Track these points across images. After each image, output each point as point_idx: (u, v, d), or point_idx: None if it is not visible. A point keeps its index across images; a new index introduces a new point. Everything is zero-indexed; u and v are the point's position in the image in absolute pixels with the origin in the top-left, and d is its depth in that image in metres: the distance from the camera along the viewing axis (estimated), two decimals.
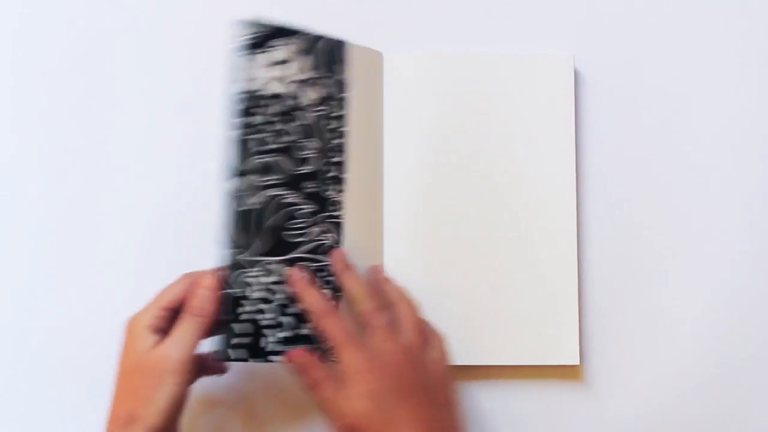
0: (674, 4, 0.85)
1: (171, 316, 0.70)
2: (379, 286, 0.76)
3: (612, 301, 0.81)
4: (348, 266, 0.75)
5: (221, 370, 0.75)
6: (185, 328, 0.70)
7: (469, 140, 0.80)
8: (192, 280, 0.72)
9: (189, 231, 0.78)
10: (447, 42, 0.82)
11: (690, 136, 0.84)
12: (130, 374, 0.69)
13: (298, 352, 0.72)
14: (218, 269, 0.72)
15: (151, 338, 0.69)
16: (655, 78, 0.84)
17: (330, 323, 0.71)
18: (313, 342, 0.74)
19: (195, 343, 0.69)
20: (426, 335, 0.73)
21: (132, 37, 0.81)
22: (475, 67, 0.81)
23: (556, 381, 0.80)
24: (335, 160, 0.77)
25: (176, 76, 0.80)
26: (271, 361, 0.73)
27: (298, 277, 0.73)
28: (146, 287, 0.73)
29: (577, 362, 0.79)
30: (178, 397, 0.68)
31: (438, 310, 0.77)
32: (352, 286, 0.74)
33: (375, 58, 0.80)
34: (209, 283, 0.71)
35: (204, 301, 0.71)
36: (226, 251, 0.73)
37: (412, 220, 0.79)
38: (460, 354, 0.77)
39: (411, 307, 0.74)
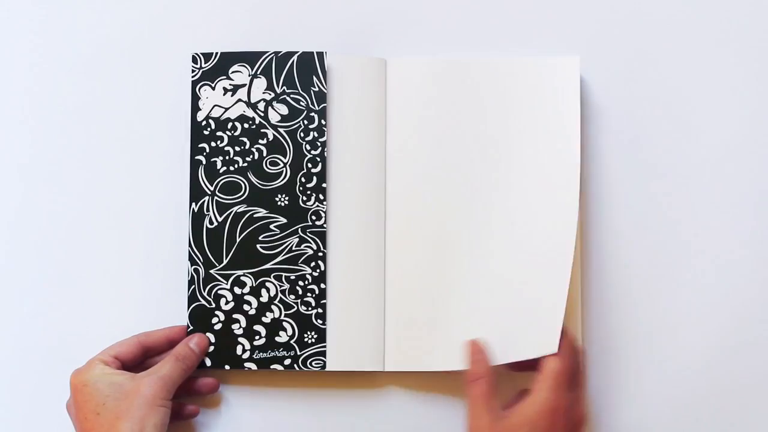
0: (679, 9, 0.82)
1: (120, 366, 0.74)
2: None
3: (613, 306, 0.80)
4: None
5: (213, 388, 0.79)
6: (169, 364, 0.74)
7: (474, 145, 0.80)
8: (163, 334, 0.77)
9: (163, 247, 0.81)
10: (452, 47, 0.82)
11: (696, 140, 0.82)
12: (107, 404, 0.71)
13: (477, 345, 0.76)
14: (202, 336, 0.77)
15: (110, 368, 0.73)
16: (661, 82, 0.82)
17: (564, 358, 0.72)
18: (286, 348, 0.78)
19: (177, 377, 0.74)
20: None
21: (100, 70, 0.83)
22: (481, 72, 0.80)
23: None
24: (315, 170, 0.79)
25: (145, 105, 0.82)
26: (247, 369, 0.78)
27: (473, 349, 0.76)
28: (115, 306, 0.81)
29: None
30: (165, 420, 0.72)
31: (439, 315, 0.79)
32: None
33: (377, 66, 0.80)
34: (198, 341, 0.77)
35: (189, 353, 0.76)
36: (198, 267, 0.78)
37: (416, 223, 0.79)
38: (461, 358, 0.78)
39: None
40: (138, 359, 0.76)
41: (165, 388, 0.72)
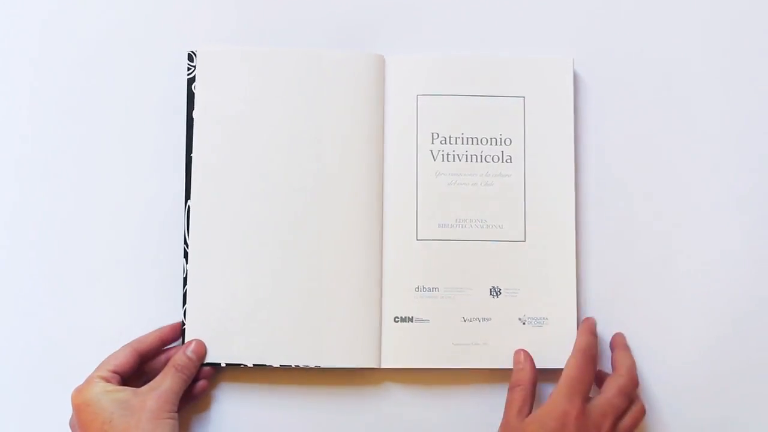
0: (673, 8, 0.83)
1: (119, 380, 0.74)
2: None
3: (611, 304, 0.81)
4: (626, 346, 0.79)
5: (204, 390, 0.78)
6: (170, 377, 0.74)
7: (471, 141, 0.80)
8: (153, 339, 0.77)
9: (158, 245, 0.81)
10: (449, 45, 0.83)
11: (688, 139, 0.82)
12: (113, 422, 0.70)
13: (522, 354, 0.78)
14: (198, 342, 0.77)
15: (111, 385, 0.72)
16: (654, 81, 0.83)
17: (583, 367, 0.75)
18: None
19: (179, 388, 0.74)
20: None
21: (95, 67, 0.82)
22: (477, 70, 0.80)
23: (554, 385, 0.79)
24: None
25: (141, 102, 0.82)
26: (243, 365, 0.77)
27: (588, 323, 0.79)
28: (109, 304, 0.80)
29: None
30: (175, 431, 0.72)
31: (437, 316, 0.79)
32: (624, 362, 0.77)
33: (376, 63, 0.80)
34: (195, 347, 0.76)
35: (187, 362, 0.75)
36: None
37: (409, 215, 0.79)
38: (462, 358, 0.78)
39: (641, 415, 0.75)
40: (135, 368, 0.75)
41: (169, 401, 0.72)
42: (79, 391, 0.72)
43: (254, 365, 0.77)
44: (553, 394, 0.74)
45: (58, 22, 0.83)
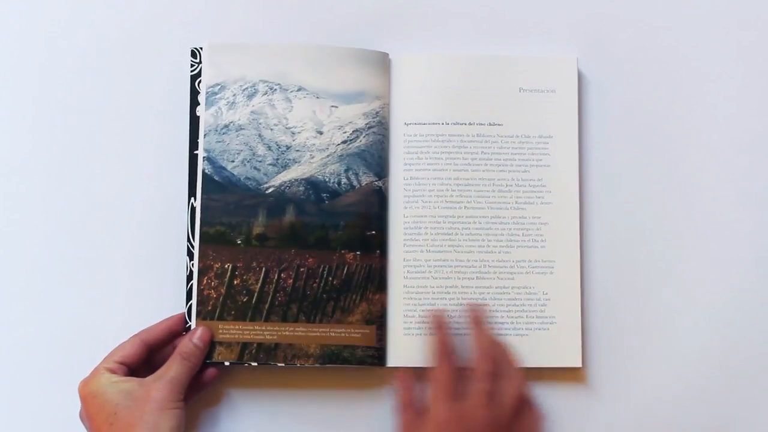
0: (677, 8, 0.83)
1: (126, 370, 0.73)
2: (500, 352, 0.75)
3: (614, 303, 0.81)
4: (480, 321, 0.76)
5: (215, 377, 0.78)
6: (175, 365, 0.73)
7: (473, 143, 0.80)
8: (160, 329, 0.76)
9: (161, 243, 0.80)
10: (455, 44, 0.83)
11: (693, 139, 0.82)
12: (118, 413, 0.70)
13: (402, 374, 0.76)
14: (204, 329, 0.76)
15: (116, 376, 0.72)
16: (659, 81, 0.83)
17: (437, 368, 0.73)
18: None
19: (185, 377, 0.73)
20: (523, 412, 0.73)
21: (97, 65, 0.82)
22: (482, 69, 0.80)
23: (558, 383, 0.80)
24: None
25: (144, 100, 0.82)
26: (249, 364, 0.77)
27: (434, 318, 0.76)
28: (113, 302, 0.80)
29: (579, 365, 0.79)
30: (181, 422, 0.72)
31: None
32: (476, 342, 0.75)
33: (381, 60, 0.80)
34: (201, 335, 0.75)
35: (193, 350, 0.74)
36: (196, 262, 0.78)
37: (428, 217, 0.79)
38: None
39: (519, 382, 0.73)
40: (143, 359, 0.75)
41: (175, 390, 0.72)
42: (85, 383, 0.72)
43: (258, 364, 0.77)
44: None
45: (60, 20, 0.83)
